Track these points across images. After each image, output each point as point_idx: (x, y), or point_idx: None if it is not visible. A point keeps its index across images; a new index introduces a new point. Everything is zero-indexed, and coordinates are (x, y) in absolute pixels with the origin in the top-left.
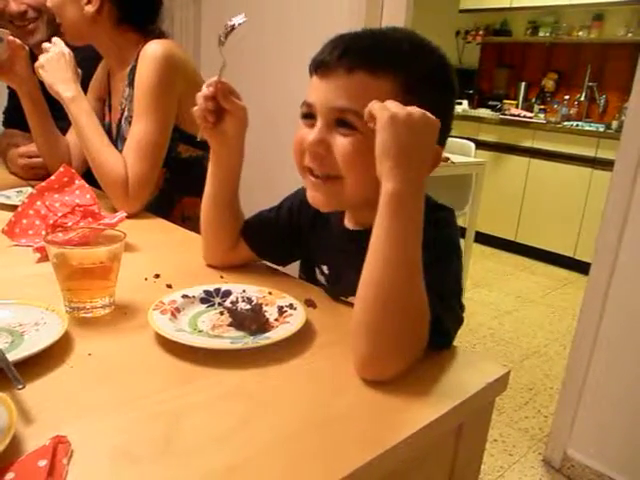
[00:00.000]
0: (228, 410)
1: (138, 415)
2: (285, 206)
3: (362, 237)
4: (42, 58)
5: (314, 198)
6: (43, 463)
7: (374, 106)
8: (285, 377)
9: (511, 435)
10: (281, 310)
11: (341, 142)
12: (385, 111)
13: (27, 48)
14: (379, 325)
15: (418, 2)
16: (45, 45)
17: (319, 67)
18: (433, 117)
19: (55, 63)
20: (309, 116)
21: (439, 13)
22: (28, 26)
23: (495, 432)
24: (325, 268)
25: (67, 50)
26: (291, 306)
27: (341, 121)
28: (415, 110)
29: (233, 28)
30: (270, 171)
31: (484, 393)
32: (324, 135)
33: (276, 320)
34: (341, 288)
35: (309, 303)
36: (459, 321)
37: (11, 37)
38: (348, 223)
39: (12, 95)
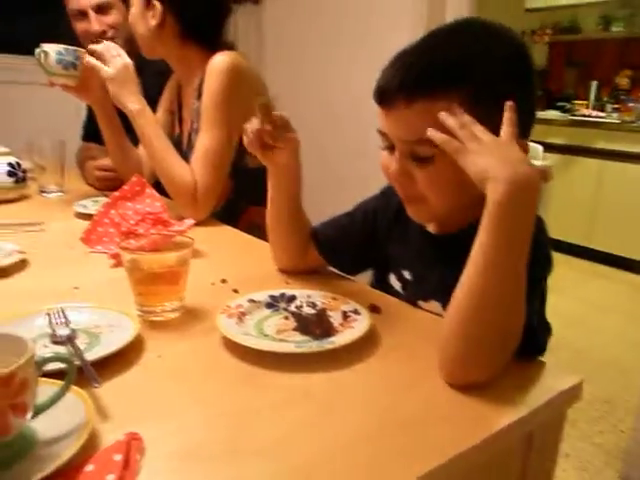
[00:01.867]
0: (295, 412)
1: (207, 415)
2: (360, 212)
3: (446, 242)
4: (109, 70)
5: (410, 213)
6: (118, 457)
7: (452, 142)
8: (351, 381)
9: (585, 450)
10: (345, 315)
11: (419, 173)
12: (472, 142)
13: None
14: (476, 333)
15: (482, 2)
16: (95, 47)
17: (381, 98)
18: (513, 134)
19: (122, 76)
20: (386, 142)
21: (504, 13)
22: None
23: (568, 446)
24: (406, 273)
25: (129, 61)
26: (355, 311)
27: (414, 154)
28: (503, 133)
29: None
30: (336, 170)
31: (555, 402)
32: (403, 164)
33: (340, 325)
34: (420, 292)
35: (373, 308)
36: (549, 331)
37: (87, 57)
38: (430, 228)
39: (90, 111)
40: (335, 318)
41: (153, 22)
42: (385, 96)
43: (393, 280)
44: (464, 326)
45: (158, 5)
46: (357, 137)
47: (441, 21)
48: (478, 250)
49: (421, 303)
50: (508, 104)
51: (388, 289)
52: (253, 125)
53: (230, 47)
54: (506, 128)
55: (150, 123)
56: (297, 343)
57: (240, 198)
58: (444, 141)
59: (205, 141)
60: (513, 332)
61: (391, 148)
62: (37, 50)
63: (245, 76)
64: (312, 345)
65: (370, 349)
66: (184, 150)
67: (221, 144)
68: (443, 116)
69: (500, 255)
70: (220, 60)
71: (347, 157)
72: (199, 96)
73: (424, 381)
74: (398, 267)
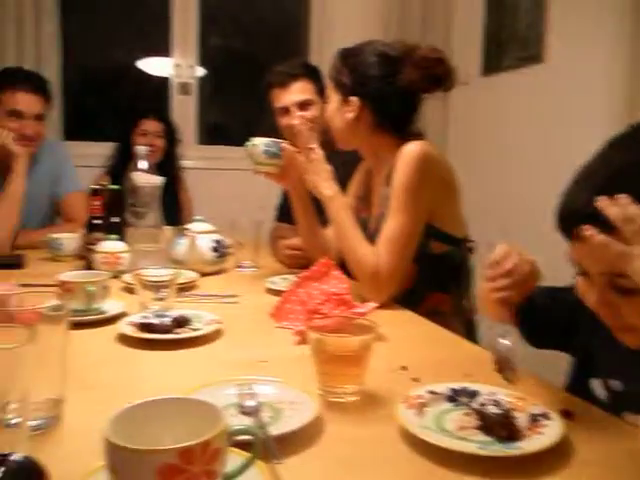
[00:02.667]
0: None
1: None
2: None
3: None
4: (308, 163)
5: (620, 339)
6: None
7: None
8: None
9: None
10: (534, 419)
11: (625, 305)
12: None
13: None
14: None
15: None
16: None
17: (563, 227)
18: None
19: (318, 166)
20: (580, 269)
21: None
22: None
23: None
24: (616, 383)
25: (321, 152)
26: (545, 415)
27: (615, 284)
28: None
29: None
30: None
31: None
32: (604, 296)
33: (528, 429)
34: (633, 404)
35: (566, 414)
36: None
37: (287, 146)
38: None
39: (284, 195)
40: (522, 421)
41: (350, 116)
42: (570, 225)
43: (597, 387)
44: None
45: (356, 101)
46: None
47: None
48: None
49: (628, 416)
50: None
51: (587, 396)
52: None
53: (419, 135)
54: None
55: (342, 207)
56: (480, 444)
57: (423, 284)
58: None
59: (392, 226)
60: None
61: (586, 274)
62: (248, 142)
63: (434, 164)
64: (496, 448)
65: (560, 461)
66: (371, 233)
67: (407, 229)
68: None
69: None
70: (411, 149)
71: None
72: (388, 183)
73: None
74: (605, 374)
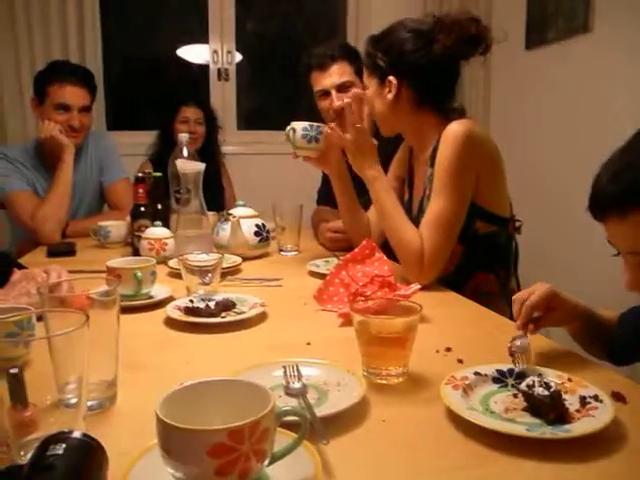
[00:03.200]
0: None
1: None
2: None
3: None
4: (353, 143)
5: None
6: None
7: None
8: (583, 479)
9: None
10: (583, 401)
11: None
12: None
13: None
14: None
15: None
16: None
17: (592, 210)
18: None
19: (364, 146)
20: (615, 249)
21: None
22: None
23: None
24: None
25: (365, 128)
26: (596, 398)
27: None
28: None
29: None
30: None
31: None
32: (635, 275)
33: (577, 411)
34: None
35: (617, 397)
36: None
37: (327, 130)
38: None
39: (325, 178)
40: (571, 402)
41: (390, 96)
42: (596, 208)
43: None
44: None
45: (393, 79)
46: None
47: None
48: None
49: None
50: None
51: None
52: None
53: (461, 112)
54: None
55: (385, 189)
56: (528, 426)
57: (468, 264)
58: None
59: (436, 207)
60: None
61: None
62: (287, 128)
63: (479, 143)
64: (545, 431)
65: (611, 445)
66: (414, 215)
67: (452, 210)
68: None
69: None
70: (455, 129)
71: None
72: (432, 163)
73: None
74: None
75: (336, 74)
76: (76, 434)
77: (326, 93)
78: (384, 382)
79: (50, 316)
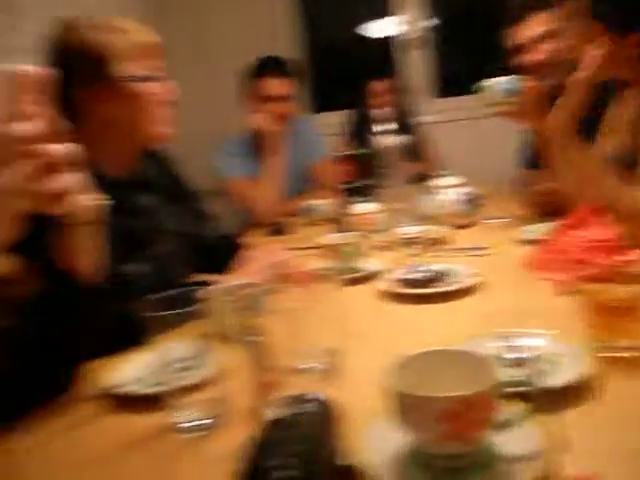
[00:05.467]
0: None
1: None
2: None
3: None
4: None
5: None
6: None
7: None
8: None
9: None
10: None
11: None
12: None
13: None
14: None
15: None
16: None
17: None
18: None
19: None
20: None
21: None
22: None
23: None
24: None
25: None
26: None
27: None
28: None
29: None
30: None
31: None
32: None
33: None
34: None
35: None
36: None
37: (528, 81)
38: None
39: (525, 139)
40: None
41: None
42: None
43: None
44: None
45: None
46: None
47: None
48: None
49: None
50: None
51: None
52: None
53: None
54: None
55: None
56: None
57: None
58: None
59: None
60: None
61: None
62: (483, 84)
63: None
64: None
65: None
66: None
67: None
68: None
69: None
70: None
71: None
72: None
73: None
74: None
75: (539, 24)
76: (317, 395)
77: (529, 45)
78: (613, 354)
79: (282, 290)
